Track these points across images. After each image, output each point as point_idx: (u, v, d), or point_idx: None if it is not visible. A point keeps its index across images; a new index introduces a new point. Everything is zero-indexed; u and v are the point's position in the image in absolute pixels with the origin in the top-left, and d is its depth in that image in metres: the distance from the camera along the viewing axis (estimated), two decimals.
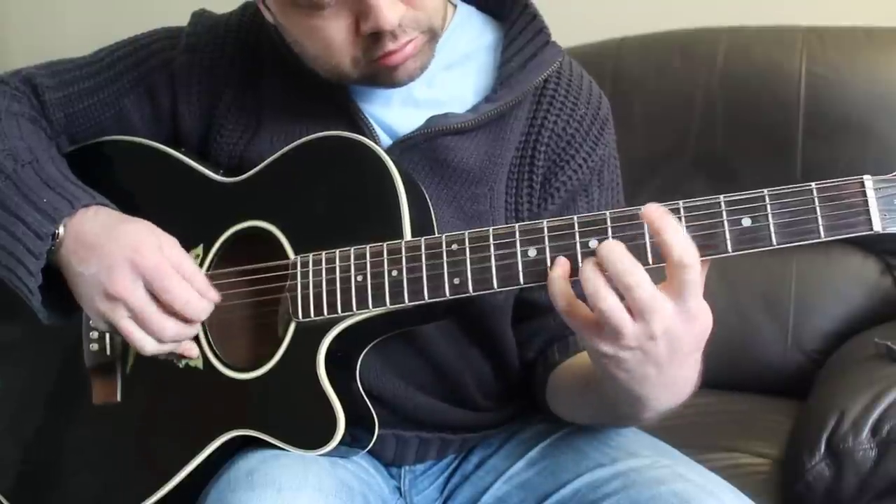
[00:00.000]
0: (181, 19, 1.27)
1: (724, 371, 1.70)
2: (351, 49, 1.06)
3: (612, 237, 0.91)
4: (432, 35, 1.09)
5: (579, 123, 1.19)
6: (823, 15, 1.81)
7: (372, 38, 1.05)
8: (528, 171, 1.17)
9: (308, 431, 1.05)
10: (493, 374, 1.22)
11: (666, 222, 0.86)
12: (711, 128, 1.79)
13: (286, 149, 1.12)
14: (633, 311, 0.87)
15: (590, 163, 1.19)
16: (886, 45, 1.74)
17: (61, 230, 1.07)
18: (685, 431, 1.53)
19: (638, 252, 0.90)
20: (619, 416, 1.05)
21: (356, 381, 1.09)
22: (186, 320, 1.07)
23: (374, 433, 1.10)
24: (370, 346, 1.09)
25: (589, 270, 0.89)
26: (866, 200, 0.86)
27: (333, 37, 1.06)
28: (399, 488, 1.25)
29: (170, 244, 1.08)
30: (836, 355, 1.66)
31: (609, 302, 0.87)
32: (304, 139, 1.11)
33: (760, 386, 1.75)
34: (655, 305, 0.86)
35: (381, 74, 1.09)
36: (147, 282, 1.05)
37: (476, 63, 1.20)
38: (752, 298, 1.76)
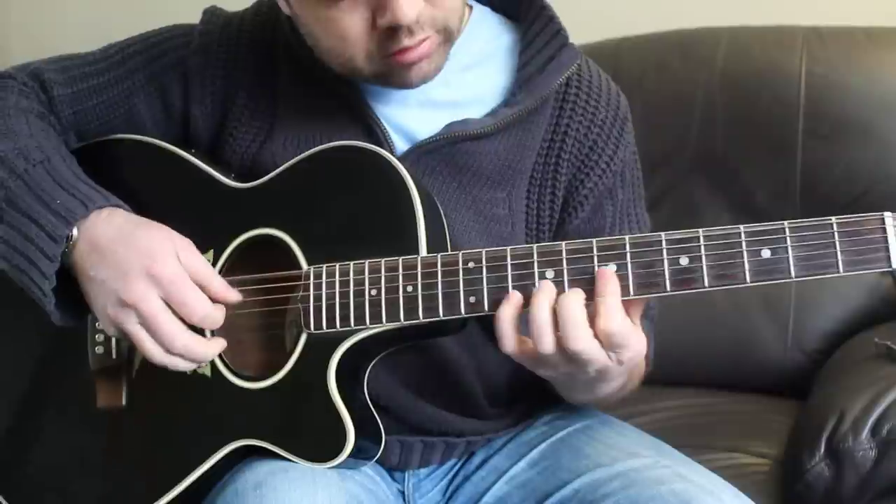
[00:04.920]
0: (181, 14, 1.26)
1: (724, 371, 1.72)
2: (366, 43, 1.05)
3: (631, 262, 0.93)
4: (447, 36, 1.08)
5: (600, 128, 1.19)
6: (823, 15, 1.81)
7: (387, 33, 1.03)
8: (552, 178, 1.17)
9: (317, 444, 1.04)
10: (506, 381, 1.22)
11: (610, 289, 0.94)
12: (711, 128, 1.79)
13: (301, 156, 1.10)
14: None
15: (612, 166, 1.19)
16: (886, 45, 1.74)
17: (75, 232, 1.05)
18: (685, 431, 1.54)
19: (655, 279, 0.91)
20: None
21: (364, 391, 1.08)
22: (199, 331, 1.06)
23: (381, 444, 1.09)
24: (379, 357, 1.08)
25: (539, 311, 0.94)
26: (886, 237, 0.86)
27: (349, 29, 1.04)
28: (402, 492, 1.25)
29: (186, 249, 1.07)
30: (836, 355, 1.67)
31: (549, 347, 0.94)
32: (319, 147, 1.09)
33: (760, 386, 1.75)
34: (593, 358, 0.93)
35: (395, 73, 1.08)
36: (163, 291, 1.03)
37: (494, 64, 1.19)
38: (752, 298, 1.75)
